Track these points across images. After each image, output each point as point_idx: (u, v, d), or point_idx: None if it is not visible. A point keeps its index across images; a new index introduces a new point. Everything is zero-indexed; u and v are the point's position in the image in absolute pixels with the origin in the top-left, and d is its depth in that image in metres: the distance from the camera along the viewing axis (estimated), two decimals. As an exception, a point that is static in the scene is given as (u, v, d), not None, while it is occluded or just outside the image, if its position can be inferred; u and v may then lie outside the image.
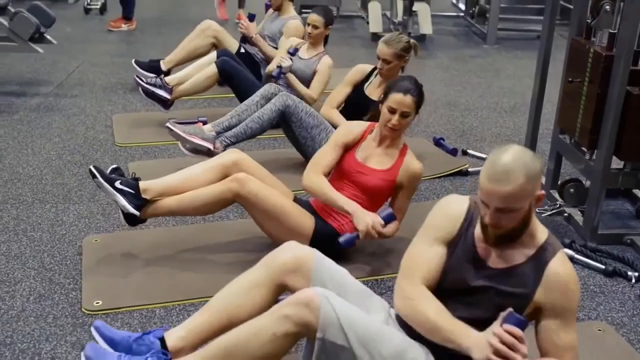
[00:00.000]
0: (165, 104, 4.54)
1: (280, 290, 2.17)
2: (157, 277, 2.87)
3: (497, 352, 1.77)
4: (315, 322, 1.89)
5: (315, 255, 2.17)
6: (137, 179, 2.89)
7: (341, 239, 2.79)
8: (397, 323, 2.10)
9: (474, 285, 1.97)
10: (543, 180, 3.80)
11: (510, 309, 1.84)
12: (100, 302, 2.66)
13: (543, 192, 1.89)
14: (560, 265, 1.94)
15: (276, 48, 4.81)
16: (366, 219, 2.78)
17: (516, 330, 1.79)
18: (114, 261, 2.96)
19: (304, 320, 1.90)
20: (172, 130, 3.71)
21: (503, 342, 1.78)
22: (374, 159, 2.96)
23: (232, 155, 3.01)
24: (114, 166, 2.97)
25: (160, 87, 4.50)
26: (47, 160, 4.02)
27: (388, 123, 2.88)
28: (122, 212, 2.89)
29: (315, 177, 2.93)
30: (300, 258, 2.15)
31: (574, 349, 1.96)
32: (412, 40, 3.74)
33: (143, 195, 2.86)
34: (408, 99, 2.85)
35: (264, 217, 2.88)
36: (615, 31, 3.15)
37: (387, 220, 2.80)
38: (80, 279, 2.83)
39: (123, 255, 3.01)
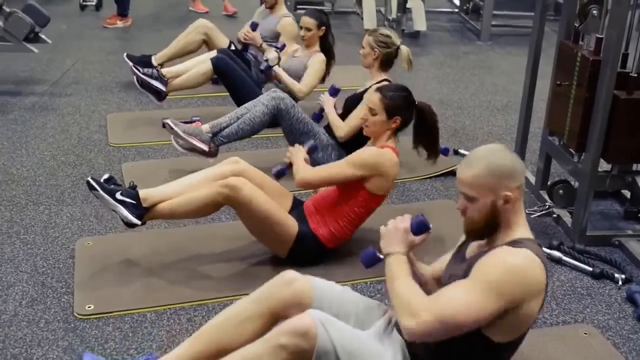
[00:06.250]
0: (160, 95, 4.55)
1: (276, 322, 2.15)
2: (149, 280, 2.90)
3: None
4: (311, 351, 1.89)
5: (313, 286, 2.17)
6: (135, 188, 2.90)
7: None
8: (397, 329, 2.11)
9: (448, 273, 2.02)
10: (532, 180, 3.84)
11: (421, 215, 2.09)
12: (92, 307, 2.70)
13: (510, 194, 1.91)
14: (507, 250, 1.87)
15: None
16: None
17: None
18: (106, 264, 2.99)
19: (300, 349, 1.90)
20: (172, 128, 3.71)
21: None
22: None
23: (231, 166, 3.04)
24: (106, 176, 2.95)
25: (156, 78, 4.51)
26: (41, 161, 4.04)
27: None
28: (122, 219, 2.89)
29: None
30: (299, 292, 2.15)
31: (440, 305, 1.82)
32: (402, 47, 3.74)
33: (144, 205, 2.87)
34: (375, 96, 2.99)
35: (250, 220, 2.92)
36: (603, 36, 3.17)
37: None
38: (73, 283, 2.87)
39: (116, 258, 3.03)
